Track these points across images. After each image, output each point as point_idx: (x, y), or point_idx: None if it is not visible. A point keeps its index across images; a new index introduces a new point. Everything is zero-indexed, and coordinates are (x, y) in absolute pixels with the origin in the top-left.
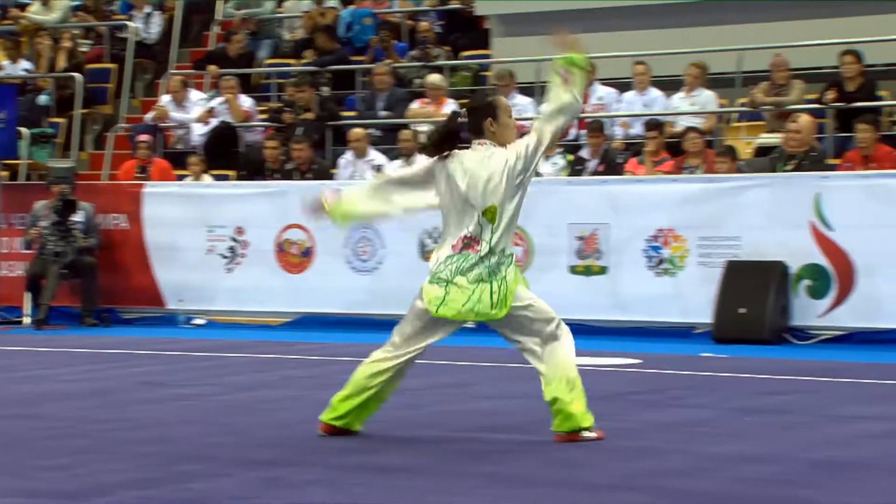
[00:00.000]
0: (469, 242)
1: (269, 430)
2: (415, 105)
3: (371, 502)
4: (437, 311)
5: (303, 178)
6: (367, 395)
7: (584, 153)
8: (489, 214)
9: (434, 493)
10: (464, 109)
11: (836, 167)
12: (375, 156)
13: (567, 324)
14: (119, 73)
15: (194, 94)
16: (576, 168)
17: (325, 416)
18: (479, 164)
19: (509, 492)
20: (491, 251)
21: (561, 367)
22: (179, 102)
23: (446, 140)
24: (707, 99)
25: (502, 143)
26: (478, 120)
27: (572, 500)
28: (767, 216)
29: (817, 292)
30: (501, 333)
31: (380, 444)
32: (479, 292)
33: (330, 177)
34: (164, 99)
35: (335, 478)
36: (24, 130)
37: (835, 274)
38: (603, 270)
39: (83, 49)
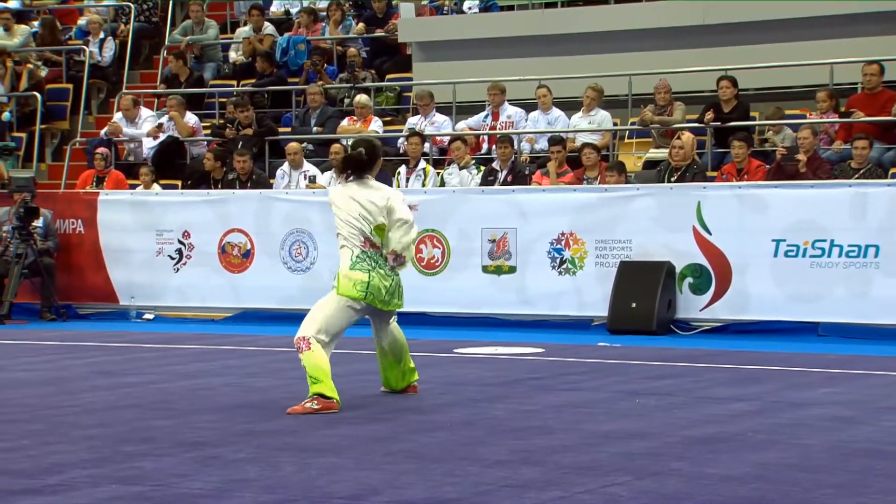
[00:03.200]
0: (373, 244)
1: (207, 414)
2: (344, 122)
3: (297, 478)
4: (365, 297)
5: (243, 187)
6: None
7: (495, 165)
8: (379, 231)
9: (350, 469)
10: (360, 149)
11: (715, 178)
12: (309, 167)
13: (479, 317)
14: (75, 93)
15: (144, 111)
16: (488, 178)
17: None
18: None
19: (416, 467)
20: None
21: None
22: (131, 119)
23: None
24: (603, 118)
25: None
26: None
27: (471, 474)
28: (655, 221)
29: (699, 289)
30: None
31: (305, 426)
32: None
33: (268, 186)
34: (117, 116)
35: (266, 456)
36: None
37: (714, 273)
38: (512, 270)
39: (42, 71)
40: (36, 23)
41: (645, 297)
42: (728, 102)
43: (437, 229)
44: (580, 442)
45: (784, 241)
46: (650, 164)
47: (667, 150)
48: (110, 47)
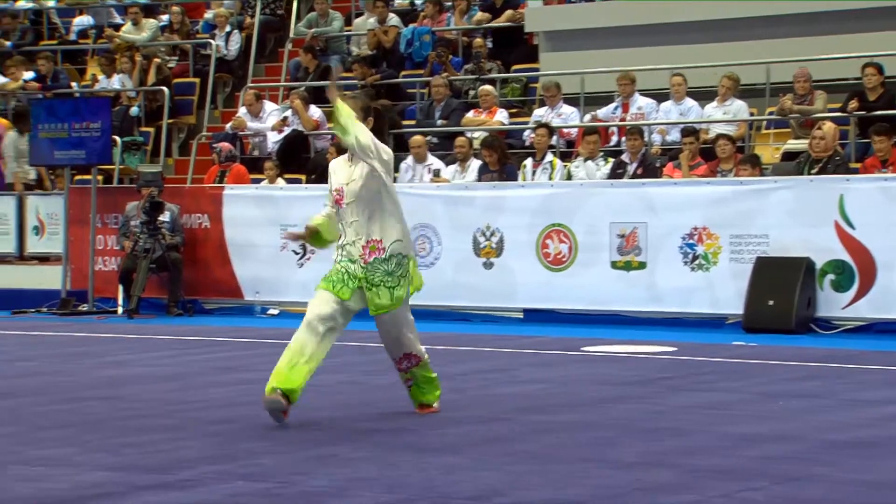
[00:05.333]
0: None
1: (327, 411)
2: (469, 114)
3: (416, 478)
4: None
5: None
6: None
7: (624, 157)
8: None
9: (470, 469)
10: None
11: (858, 170)
12: (433, 161)
13: (607, 314)
14: (202, 87)
15: (269, 105)
16: (617, 171)
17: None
18: None
19: (540, 468)
20: None
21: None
22: (255, 114)
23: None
24: (739, 108)
25: None
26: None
27: (598, 475)
28: (793, 215)
29: (841, 286)
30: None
31: (425, 425)
32: None
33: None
34: (241, 110)
35: (384, 455)
36: (117, 138)
37: (857, 269)
38: (642, 265)
39: (170, 65)
40: (164, 17)
41: (783, 294)
42: (873, 90)
43: (565, 224)
44: (715, 444)
45: None
46: (789, 156)
47: (806, 141)
48: (236, 41)
